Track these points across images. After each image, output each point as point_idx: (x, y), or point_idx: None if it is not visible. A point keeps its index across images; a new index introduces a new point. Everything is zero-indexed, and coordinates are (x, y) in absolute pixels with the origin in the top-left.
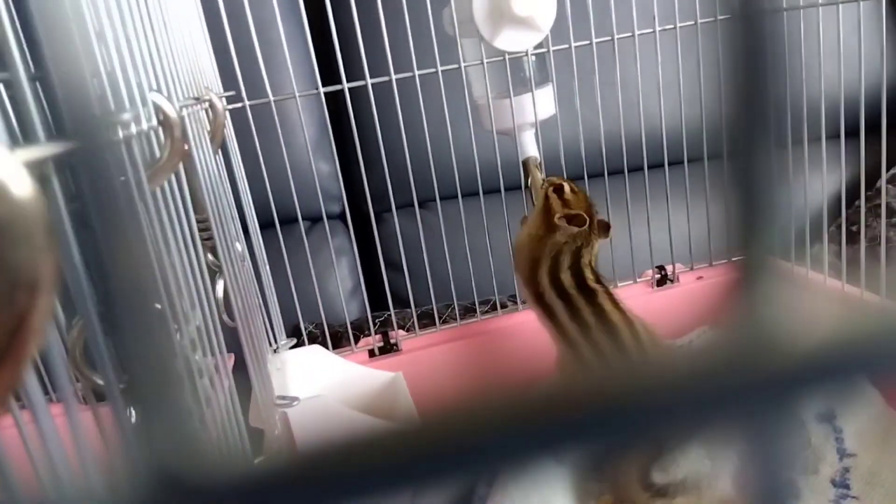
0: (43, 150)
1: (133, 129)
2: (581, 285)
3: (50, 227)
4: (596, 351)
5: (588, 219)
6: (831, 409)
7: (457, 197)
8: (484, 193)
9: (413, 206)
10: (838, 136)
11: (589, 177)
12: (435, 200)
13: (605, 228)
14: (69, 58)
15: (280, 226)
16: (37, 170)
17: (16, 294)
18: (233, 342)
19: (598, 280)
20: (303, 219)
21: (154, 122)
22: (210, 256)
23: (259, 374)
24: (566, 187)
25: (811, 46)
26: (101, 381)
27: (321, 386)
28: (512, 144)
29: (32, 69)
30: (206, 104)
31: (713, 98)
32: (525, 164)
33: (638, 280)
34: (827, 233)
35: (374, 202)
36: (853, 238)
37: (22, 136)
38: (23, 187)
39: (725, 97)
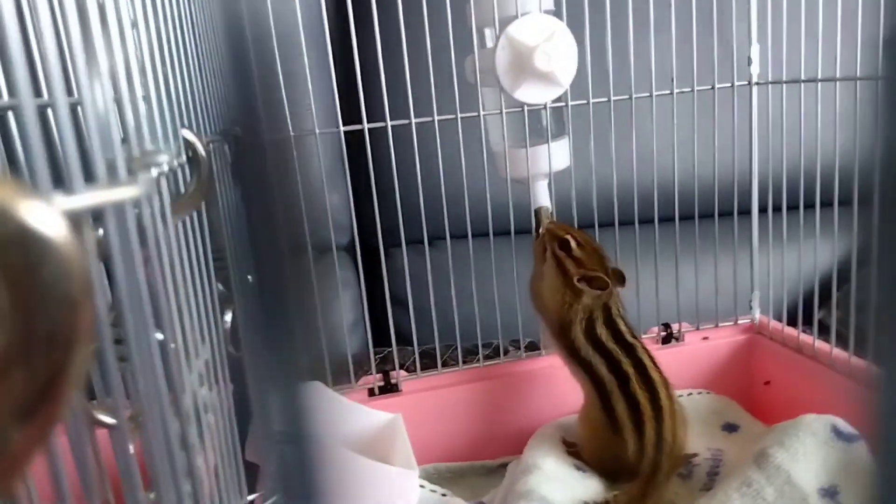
0: (81, 199)
1: (165, 167)
2: (618, 339)
3: (89, 283)
4: (631, 406)
5: (608, 280)
6: (834, 484)
7: (466, 237)
8: (494, 235)
9: (422, 242)
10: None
11: (599, 226)
12: (445, 239)
13: (619, 279)
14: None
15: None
16: (74, 220)
17: (53, 349)
18: (233, 373)
19: (633, 334)
20: (311, 248)
21: (183, 158)
22: (220, 286)
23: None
24: (571, 242)
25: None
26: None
27: (319, 424)
28: (525, 190)
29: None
30: (231, 138)
31: (727, 157)
32: (537, 213)
33: (643, 336)
34: (834, 299)
35: (384, 237)
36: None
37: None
38: (67, 245)
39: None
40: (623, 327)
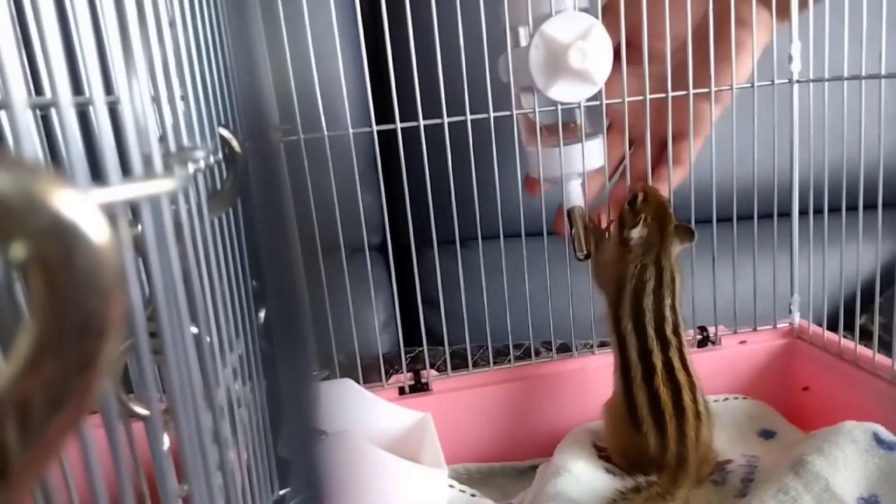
0: (116, 192)
1: (202, 164)
2: (659, 329)
3: (122, 274)
4: (652, 401)
5: (648, 219)
6: (874, 493)
7: (499, 237)
8: (526, 236)
9: (454, 243)
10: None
11: None
12: (476, 239)
13: (687, 233)
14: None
15: (321, 253)
16: (109, 212)
17: (85, 340)
18: (266, 368)
19: (676, 330)
20: (344, 247)
21: (220, 155)
22: (254, 283)
23: None
24: (640, 196)
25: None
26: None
27: (350, 421)
28: (558, 190)
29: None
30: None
31: (767, 157)
32: (570, 213)
33: None
34: (877, 304)
35: (416, 236)
36: None
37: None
38: (101, 235)
39: None
40: (668, 313)
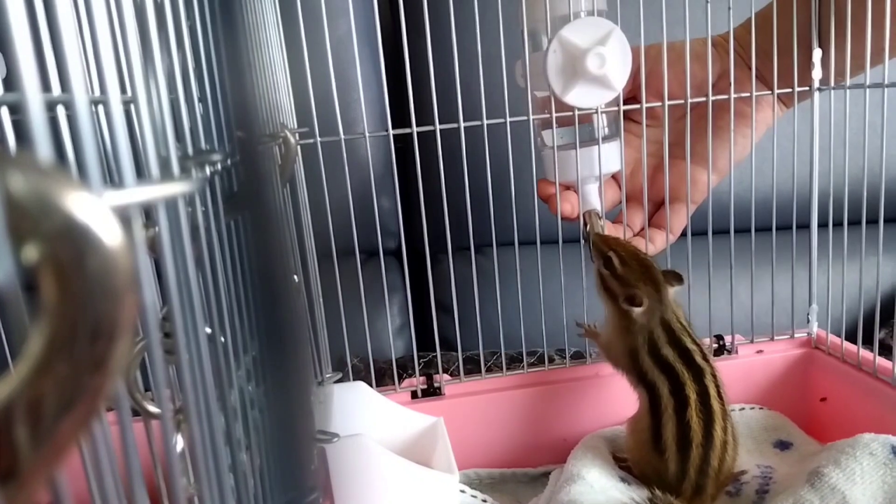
0: (132, 194)
1: (219, 166)
2: (687, 360)
3: (134, 277)
4: (681, 432)
5: (641, 295)
6: None
7: (513, 244)
8: (541, 243)
9: (469, 249)
10: None
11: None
12: (491, 246)
13: (675, 277)
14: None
15: (337, 257)
16: (122, 214)
17: (96, 342)
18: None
19: (704, 356)
20: (359, 251)
21: (237, 158)
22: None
23: None
24: (614, 259)
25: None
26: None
27: (362, 424)
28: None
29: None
30: (280, 140)
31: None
32: (586, 215)
33: None
34: None
35: (431, 242)
36: None
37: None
38: (113, 238)
39: None
40: (690, 345)
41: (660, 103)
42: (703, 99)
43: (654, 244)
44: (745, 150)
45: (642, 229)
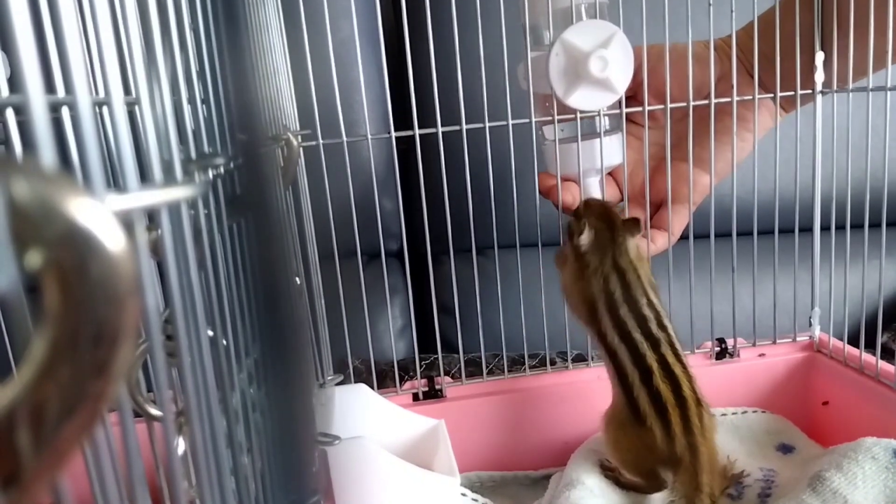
0: (135, 199)
1: (222, 169)
2: (645, 330)
3: (136, 282)
4: (653, 397)
5: (584, 225)
6: None
7: (515, 246)
8: (543, 245)
9: (471, 251)
10: None
11: None
12: (493, 247)
13: (633, 224)
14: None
15: (339, 258)
16: (125, 218)
17: (99, 347)
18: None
19: (661, 323)
20: (361, 253)
21: (240, 160)
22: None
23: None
24: (581, 208)
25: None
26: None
27: (363, 426)
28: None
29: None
30: (283, 142)
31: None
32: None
33: (696, 351)
34: None
35: (432, 244)
36: None
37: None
38: (116, 243)
39: None
40: (647, 311)
41: (661, 105)
42: (705, 102)
43: (655, 244)
44: (743, 152)
45: (644, 230)
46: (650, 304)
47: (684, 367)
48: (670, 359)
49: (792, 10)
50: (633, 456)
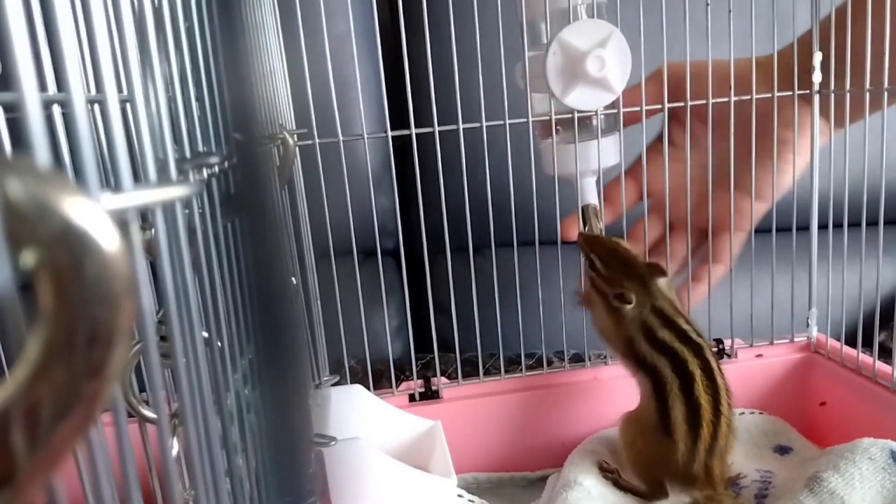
0: (130, 198)
1: (216, 169)
2: (684, 338)
3: (131, 282)
4: (690, 408)
5: (630, 294)
6: None
7: (512, 245)
8: (540, 244)
9: (467, 250)
10: None
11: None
12: (490, 247)
13: (657, 270)
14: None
15: (335, 257)
16: (120, 218)
17: (94, 347)
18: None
19: (699, 332)
20: (357, 252)
21: (235, 160)
22: None
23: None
24: (596, 261)
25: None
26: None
27: (359, 427)
28: (572, 197)
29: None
30: (279, 141)
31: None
32: (584, 210)
33: None
34: None
35: (429, 243)
36: None
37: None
38: (111, 243)
39: None
40: (685, 325)
41: (657, 106)
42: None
43: (702, 282)
44: (788, 176)
45: (685, 260)
46: (687, 321)
47: (725, 379)
48: (714, 365)
49: (861, 14)
50: (646, 461)
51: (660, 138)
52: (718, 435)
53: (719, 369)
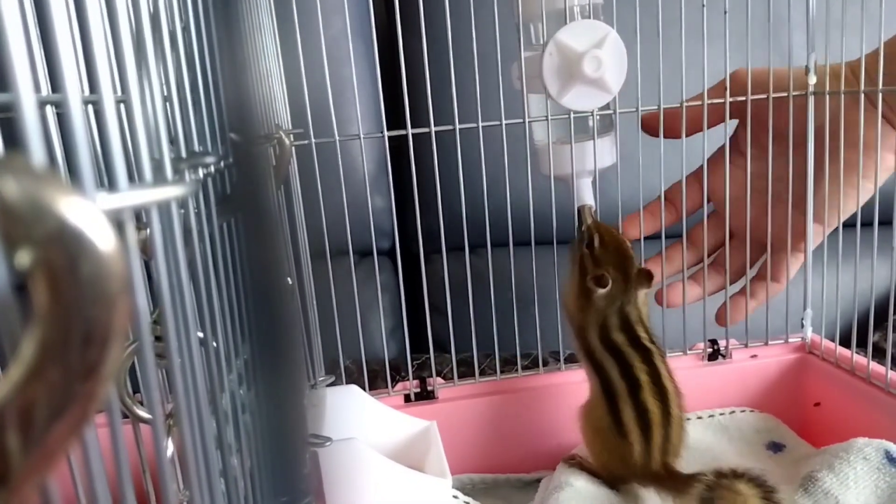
0: (125, 198)
1: (212, 168)
2: (635, 343)
3: (127, 282)
4: (640, 413)
5: (608, 278)
6: None
7: (508, 245)
8: (536, 244)
9: (463, 249)
10: None
11: (645, 238)
12: (486, 247)
13: (646, 277)
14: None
15: (330, 257)
16: (115, 218)
17: (89, 347)
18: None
19: (652, 339)
20: (353, 252)
21: (231, 160)
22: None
23: None
24: (596, 239)
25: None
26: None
27: (354, 428)
28: (568, 197)
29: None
30: (275, 141)
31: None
32: (580, 211)
33: (688, 352)
34: (891, 321)
35: (425, 242)
36: None
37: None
38: (106, 243)
39: None
40: (641, 332)
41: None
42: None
43: (756, 299)
44: (861, 197)
45: (742, 273)
46: (644, 327)
47: (675, 383)
48: (663, 371)
49: None
50: (607, 461)
51: (731, 145)
52: (671, 436)
53: (669, 374)
